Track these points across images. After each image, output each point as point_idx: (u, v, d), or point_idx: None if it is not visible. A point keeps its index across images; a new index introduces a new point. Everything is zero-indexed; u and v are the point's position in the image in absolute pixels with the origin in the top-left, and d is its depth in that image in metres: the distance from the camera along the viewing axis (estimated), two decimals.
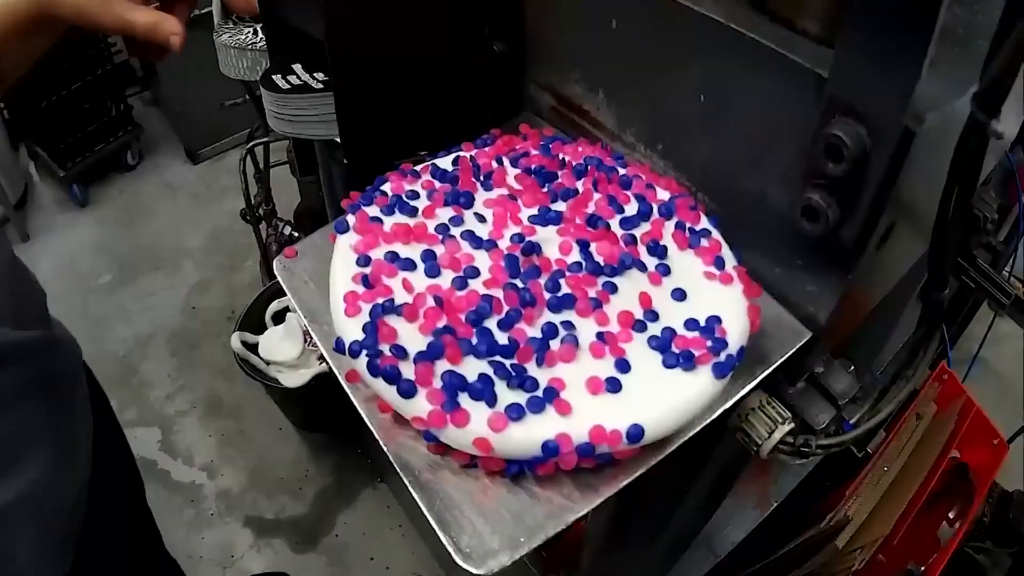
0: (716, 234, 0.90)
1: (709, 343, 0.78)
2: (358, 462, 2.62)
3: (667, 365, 0.77)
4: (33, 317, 0.97)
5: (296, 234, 2.42)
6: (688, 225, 0.90)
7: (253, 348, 2.39)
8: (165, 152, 3.90)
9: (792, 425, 0.87)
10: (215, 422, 2.77)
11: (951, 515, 1.58)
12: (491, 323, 0.80)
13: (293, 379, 2.30)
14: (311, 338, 1.09)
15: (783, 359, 0.82)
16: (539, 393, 0.74)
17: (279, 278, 0.95)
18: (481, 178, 0.98)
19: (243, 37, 1.54)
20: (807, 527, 1.41)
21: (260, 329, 2.45)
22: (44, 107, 3.26)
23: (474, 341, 0.78)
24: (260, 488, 2.60)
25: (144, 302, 3.19)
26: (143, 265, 3.34)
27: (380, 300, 0.81)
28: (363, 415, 0.79)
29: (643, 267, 0.87)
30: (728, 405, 0.78)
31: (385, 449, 0.77)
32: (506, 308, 0.81)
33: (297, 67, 1.17)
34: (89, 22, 0.85)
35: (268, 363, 2.37)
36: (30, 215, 3.55)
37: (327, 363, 0.87)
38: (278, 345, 2.37)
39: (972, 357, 1.91)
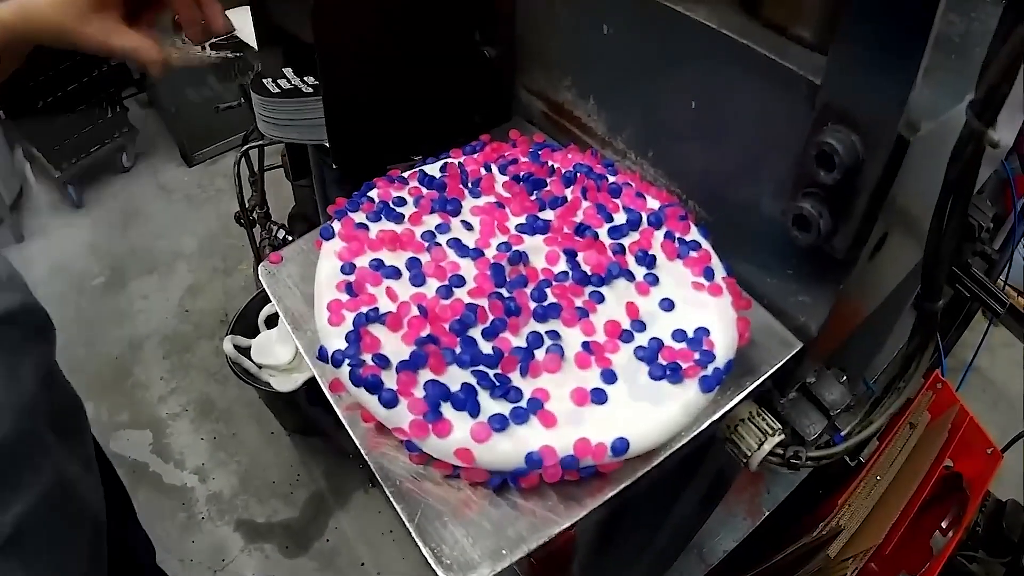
0: (706, 245, 0.89)
1: (696, 355, 0.77)
2: (349, 467, 2.61)
3: (653, 377, 0.76)
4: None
5: (290, 237, 2.41)
6: (677, 235, 0.90)
7: (246, 351, 2.37)
8: (160, 154, 3.88)
9: (782, 436, 0.86)
10: (207, 425, 2.76)
11: (944, 524, 1.57)
12: (475, 332, 0.80)
13: (285, 383, 2.29)
14: None
15: (772, 371, 0.81)
16: (523, 404, 0.73)
17: (263, 284, 0.94)
18: (469, 185, 0.97)
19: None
20: (799, 536, 1.40)
21: (253, 333, 2.44)
22: (40, 108, 3.25)
23: (458, 351, 0.77)
24: (251, 492, 2.59)
25: (137, 304, 3.18)
26: (137, 267, 3.33)
27: (364, 309, 0.80)
28: (346, 424, 0.79)
29: (631, 277, 0.86)
30: (716, 417, 0.77)
31: (367, 459, 0.76)
32: (491, 317, 0.81)
33: (288, 71, 1.17)
34: (68, 43, 0.85)
35: (260, 367, 2.35)
36: (25, 216, 3.53)
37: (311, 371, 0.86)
38: (271, 349, 2.36)
39: (966, 366, 1.91)
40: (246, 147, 2.34)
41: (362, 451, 0.76)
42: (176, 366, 2.94)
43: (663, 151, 0.94)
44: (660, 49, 0.87)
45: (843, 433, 0.94)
